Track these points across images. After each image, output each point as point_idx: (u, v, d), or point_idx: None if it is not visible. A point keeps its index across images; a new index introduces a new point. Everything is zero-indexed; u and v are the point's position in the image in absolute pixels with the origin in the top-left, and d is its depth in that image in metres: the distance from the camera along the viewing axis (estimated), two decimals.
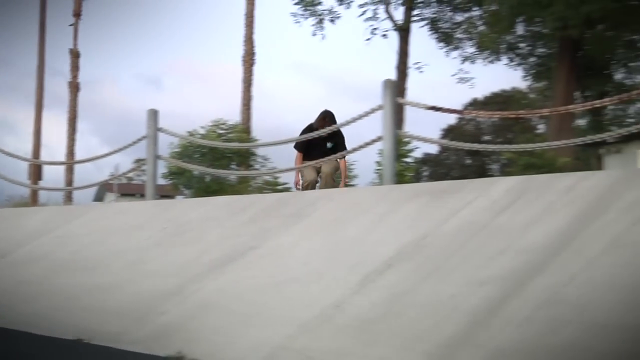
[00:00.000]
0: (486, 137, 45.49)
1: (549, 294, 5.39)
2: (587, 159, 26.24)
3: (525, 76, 32.64)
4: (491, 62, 30.83)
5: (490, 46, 29.15)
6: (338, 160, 12.21)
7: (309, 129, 12.13)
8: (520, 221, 6.61)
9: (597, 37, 25.79)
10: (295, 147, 12.31)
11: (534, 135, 38.91)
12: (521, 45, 30.55)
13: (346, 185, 12.47)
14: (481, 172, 41.84)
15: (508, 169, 26.33)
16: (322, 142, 12.02)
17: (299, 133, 12.26)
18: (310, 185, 12.16)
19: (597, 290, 5.26)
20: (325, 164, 11.69)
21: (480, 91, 57.07)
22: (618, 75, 30.81)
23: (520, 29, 29.03)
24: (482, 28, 29.46)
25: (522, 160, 19.53)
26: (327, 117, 12.01)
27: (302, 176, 12.15)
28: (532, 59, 31.17)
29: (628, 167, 21.25)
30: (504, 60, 30.87)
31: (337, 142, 12.16)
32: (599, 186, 6.68)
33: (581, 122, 33.19)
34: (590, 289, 5.31)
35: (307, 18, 33.40)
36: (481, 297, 5.70)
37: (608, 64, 29.69)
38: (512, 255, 6.10)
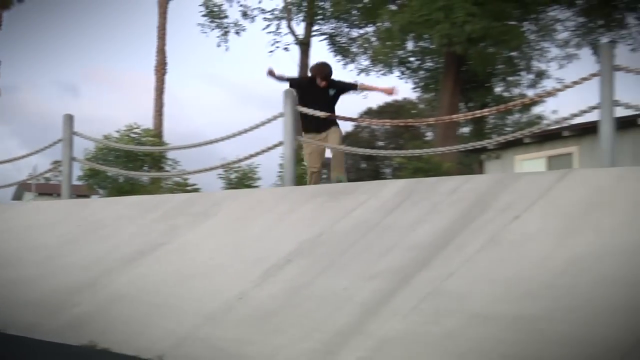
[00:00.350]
0: (380, 143, 45.91)
1: (432, 287, 5.47)
2: (469, 164, 26.60)
3: (415, 88, 32.95)
4: (384, 74, 31.09)
5: (383, 60, 29.34)
6: (367, 89, 11.54)
7: (308, 79, 10.72)
8: (408, 220, 6.68)
9: (479, 53, 26.17)
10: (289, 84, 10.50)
11: (422, 141, 39.40)
12: (411, 59, 30.85)
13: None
14: (375, 175, 42.16)
15: (399, 172, 26.59)
16: (323, 92, 10.32)
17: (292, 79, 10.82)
18: (315, 176, 10.56)
19: (476, 283, 5.35)
20: (330, 135, 10.22)
21: (375, 101, 57.57)
22: (498, 88, 31.31)
23: (410, 45, 29.35)
24: (375, 43, 29.66)
25: (412, 164, 19.74)
26: (325, 66, 10.56)
27: (305, 160, 10.75)
28: (421, 72, 31.46)
29: (506, 171, 21.65)
30: (396, 73, 31.13)
31: (339, 87, 10.55)
32: (479, 188, 6.80)
33: (465, 130, 33.72)
34: (469, 282, 5.40)
35: (213, 29, 33.20)
36: (372, 289, 5.75)
37: (489, 78, 30.14)
38: (400, 252, 6.16)
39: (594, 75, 7.71)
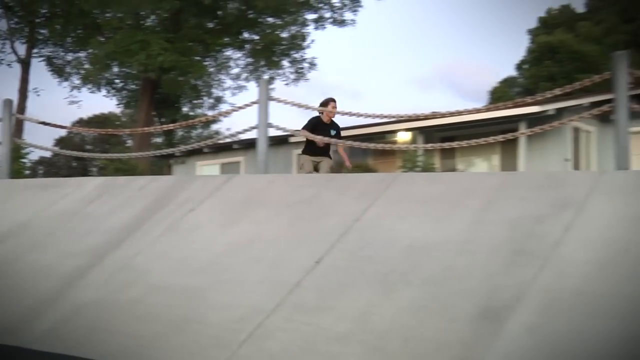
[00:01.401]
0: (88, 147, 44.36)
1: (122, 263, 5.39)
2: (161, 167, 26.42)
3: (118, 104, 32.12)
4: (93, 92, 29.96)
5: (93, 80, 28.37)
6: (337, 149, 10.58)
7: (317, 119, 9.93)
8: (105, 210, 6.53)
9: (170, 80, 26.11)
10: (304, 128, 9.72)
11: (124, 147, 38.56)
12: (116, 81, 30.11)
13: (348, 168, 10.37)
14: (84, 173, 40.62)
15: (103, 171, 25.83)
16: (327, 129, 9.82)
17: (307, 121, 9.95)
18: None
19: (157, 261, 5.34)
20: (323, 162, 9.90)
21: (86, 112, 55.84)
22: (185, 108, 31.41)
23: (116, 69, 28.63)
24: (87, 66, 28.59)
25: (113, 165, 19.19)
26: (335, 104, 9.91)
27: (301, 168, 9.96)
28: (124, 92, 30.76)
29: (189, 174, 21.74)
30: (104, 91, 30.16)
31: (338, 130, 10.09)
32: (164, 186, 6.78)
33: (158, 140, 33.53)
34: (151, 260, 5.38)
35: None
36: (72, 265, 5.56)
37: (178, 100, 30.22)
38: (98, 235, 6.00)
39: (254, 102, 7.89)
